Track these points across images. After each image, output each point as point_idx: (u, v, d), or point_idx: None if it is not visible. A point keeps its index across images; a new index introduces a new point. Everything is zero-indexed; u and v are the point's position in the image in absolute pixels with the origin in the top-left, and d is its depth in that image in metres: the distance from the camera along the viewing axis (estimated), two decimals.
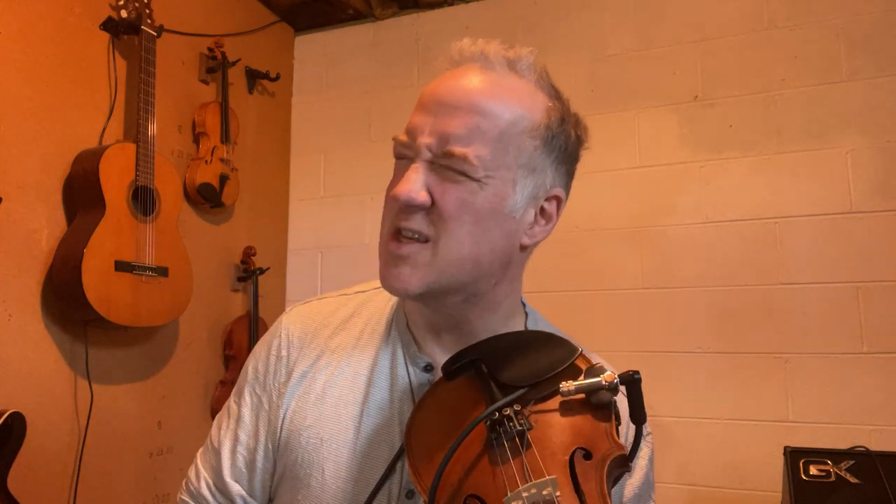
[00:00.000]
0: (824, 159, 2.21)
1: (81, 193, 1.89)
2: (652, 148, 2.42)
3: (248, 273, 2.57)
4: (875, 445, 1.72)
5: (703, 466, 2.20)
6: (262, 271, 2.58)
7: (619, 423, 0.64)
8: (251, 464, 0.83)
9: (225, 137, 2.47)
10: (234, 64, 2.54)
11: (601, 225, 2.44)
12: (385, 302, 0.86)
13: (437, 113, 0.70)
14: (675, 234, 2.34)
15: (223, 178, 2.44)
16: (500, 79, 0.73)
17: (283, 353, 0.84)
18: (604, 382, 0.62)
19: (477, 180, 0.70)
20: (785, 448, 1.74)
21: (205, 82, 2.51)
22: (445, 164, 0.70)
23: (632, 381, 0.63)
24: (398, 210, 0.71)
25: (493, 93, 0.71)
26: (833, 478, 1.64)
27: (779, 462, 1.78)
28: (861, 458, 1.66)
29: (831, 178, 2.19)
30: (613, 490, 0.61)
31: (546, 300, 2.58)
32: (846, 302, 2.12)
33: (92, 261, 1.79)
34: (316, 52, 3.01)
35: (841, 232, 2.15)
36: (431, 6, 2.82)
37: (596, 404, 0.63)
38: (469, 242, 0.71)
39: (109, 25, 2.05)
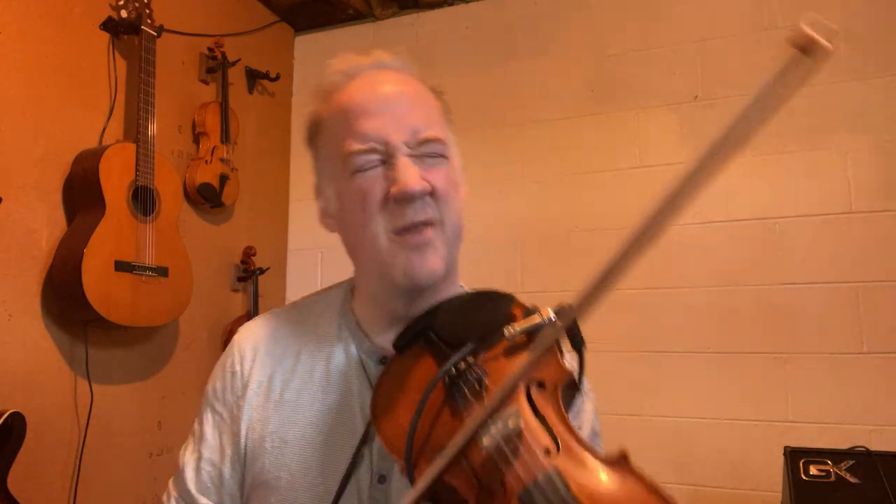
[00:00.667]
0: (824, 159, 2.20)
1: (81, 193, 1.89)
2: (652, 148, 2.41)
3: (248, 273, 2.57)
4: (875, 445, 1.72)
5: (703, 466, 2.20)
6: (262, 271, 2.58)
7: (562, 353, 0.70)
8: (217, 479, 0.84)
9: (225, 137, 2.47)
10: (234, 64, 2.54)
11: (601, 225, 2.43)
12: (331, 304, 0.90)
13: (392, 111, 0.75)
14: (676, 234, 2.34)
15: (223, 178, 2.44)
16: (408, 75, 0.82)
17: (237, 368, 0.87)
18: (541, 319, 0.68)
19: (448, 157, 0.79)
20: (785, 448, 1.74)
21: (205, 82, 2.50)
22: (424, 152, 0.76)
23: (565, 311, 0.68)
24: (404, 206, 0.73)
25: (417, 85, 0.81)
26: (833, 478, 1.64)
27: (779, 462, 1.78)
28: (861, 458, 1.66)
29: (831, 178, 2.19)
30: None
31: (546, 300, 2.59)
32: (846, 302, 2.12)
33: (92, 261, 1.79)
34: (316, 52, 3.01)
35: (841, 232, 2.15)
36: (431, 6, 2.82)
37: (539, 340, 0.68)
38: (459, 215, 0.80)
39: (109, 25, 2.05)
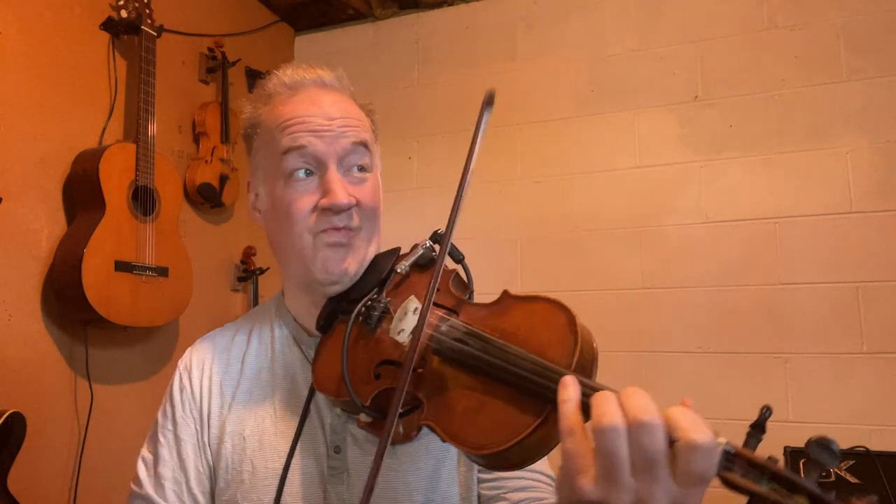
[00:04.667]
0: (824, 159, 2.20)
1: (81, 193, 1.89)
2: (652, 148, 2.41)
3: (248, 273, 2.57)
4: (875, 445, 1.72)
5: None
6: (262, 271, 2.58)
7: (448, 268, 0.83)
8: (183, 494, 0.86)
9: (225, 137, 2.47)
10: (234, 64, 2.54)
11: (601, 225, 2.43)
12: (267, 311, 0.97)
13: (330, 130, 0.83)
14: (675, 234, 2.34)
15: (223, 178, 2.44)
16: (342, 94, 0.89)
17: (185, 383, 0.92)
18: (422, 249, 0.83)
19: (372, 171, 0.88)
20: (785, 448, 1.74)
21: (205, 82, 2.50)
22: (353, 167, 0.85)
23: (438, 237, 0.84)
24: (331, 215, 0.82)
25: (352, 106, 0.89)
26: (833, 478, 1.64)
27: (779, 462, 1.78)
28: (861, 458, 1.66)
29: (831, 178, 2.19)
30: None
31: None
32: (846, 302, 2.12)
33: (92, 261, 1.79)
34: (316, 52, 3.01)
35: (841, 232, 2.15)
36: (431, 6, 2.82)
37: (425, 265, 0.83)
38: (377, 221, 0.88)
39: (109, 25, 2.05)
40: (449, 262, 0.84)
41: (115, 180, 1.89)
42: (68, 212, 1.92)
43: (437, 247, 0.84)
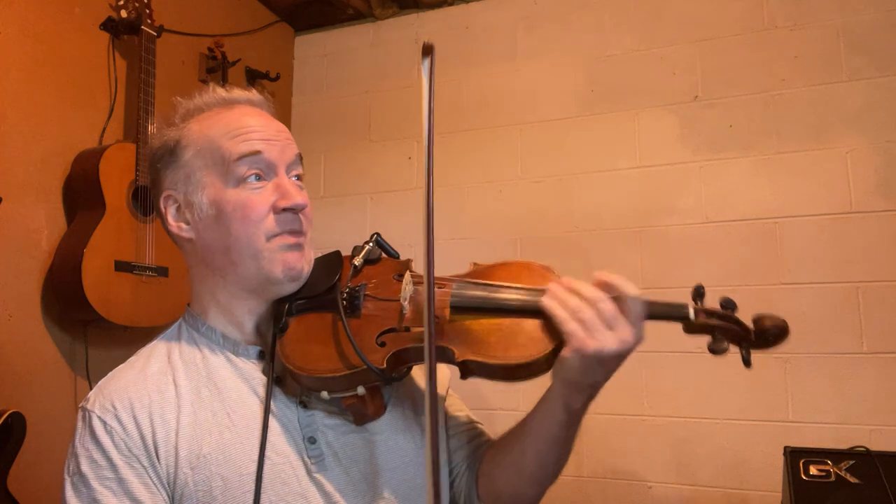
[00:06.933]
0: (824, 159, 2.20)
1: (81, 193, 1.89)
2: (652, 148, 2.41)
3: None
4: (875, 445, 1.72)
5: (703, 466, 2.20)
6: None
7: (392, 255, 0.99)
8: None
9: None
10: (234, 64, 2.54)
11: (601, 225, 2.43)
12: (178, 334, 0.95)
13: (277, 140, 0.90)
14: (675, 234, 2.34)
15: None
16: (271, 115, 0.96)
17: (113, 425, 0.85)
18: (369, 246, 0.97)
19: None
20: (785, 448, 1.74)
21: (205, 82, 2.50)
22: (293, 176, 0.92)
23: (376, 239, 0.98)
24: (288, 217, 0.88)
25: (285, 127, 0.96)
26: (833, 478, 1.64)
27: (779, 462, 1.78)
28: (861, 458, 1.66)
29: (831, 178, 2.19)
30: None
31: None
32: (846, 302, 2.12)
33: (92, 261, 1.79)
34: (316, 52, 3.01)
35: (841, 232, 2.15)
36: (431, 6, 2.82)
37: (374, 260, 0.96)
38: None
39: (109, 25, 2.05)
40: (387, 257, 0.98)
41: (115, 180, 1.89)
42: (68, 212, 1.92)
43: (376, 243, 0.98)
